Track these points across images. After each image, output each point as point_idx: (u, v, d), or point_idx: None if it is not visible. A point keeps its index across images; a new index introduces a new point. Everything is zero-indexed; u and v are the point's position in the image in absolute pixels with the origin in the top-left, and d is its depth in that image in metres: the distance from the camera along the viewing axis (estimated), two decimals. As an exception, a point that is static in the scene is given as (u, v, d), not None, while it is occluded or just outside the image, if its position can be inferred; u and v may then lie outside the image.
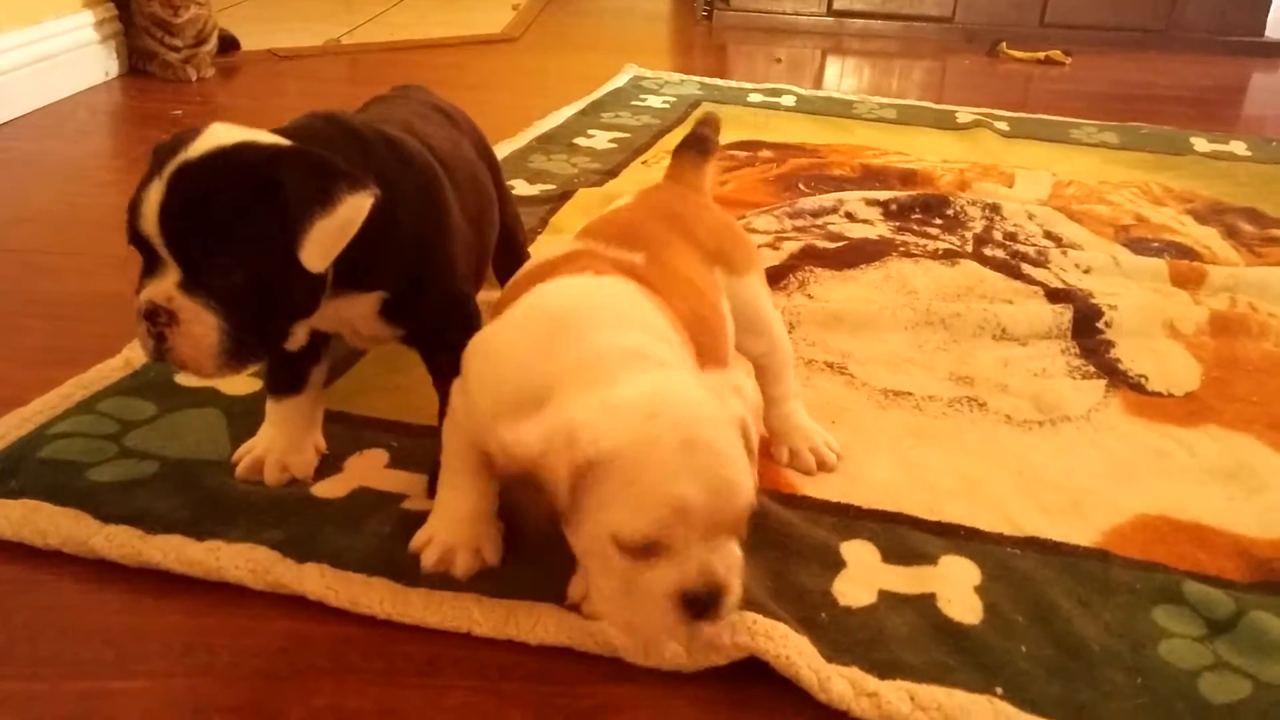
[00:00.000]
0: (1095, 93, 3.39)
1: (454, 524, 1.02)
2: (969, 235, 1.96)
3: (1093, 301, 1.66)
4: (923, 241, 1.92)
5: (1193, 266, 1.83)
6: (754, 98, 2.96)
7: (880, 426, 1.33)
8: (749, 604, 0.95)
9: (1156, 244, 2.00)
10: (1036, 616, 1.00)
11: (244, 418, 1.22)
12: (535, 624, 0.95)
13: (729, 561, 0.83)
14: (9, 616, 0.95)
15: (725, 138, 2.01)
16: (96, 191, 2.04)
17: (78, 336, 1.44)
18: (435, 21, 3.90)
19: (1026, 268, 1.80)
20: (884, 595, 1.02)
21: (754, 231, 1.92)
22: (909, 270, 1.78)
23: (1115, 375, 1.49)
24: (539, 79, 3.21)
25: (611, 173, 2.24)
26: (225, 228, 0.91)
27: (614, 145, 2.45)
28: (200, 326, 0.92)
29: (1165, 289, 1.76)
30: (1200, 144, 2.73)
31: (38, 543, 1.02)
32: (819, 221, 2.00)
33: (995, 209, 2.09)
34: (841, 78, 3.63)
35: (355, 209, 0.94)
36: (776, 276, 1.68)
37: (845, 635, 0.96)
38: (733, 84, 3.14)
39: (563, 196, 2.04)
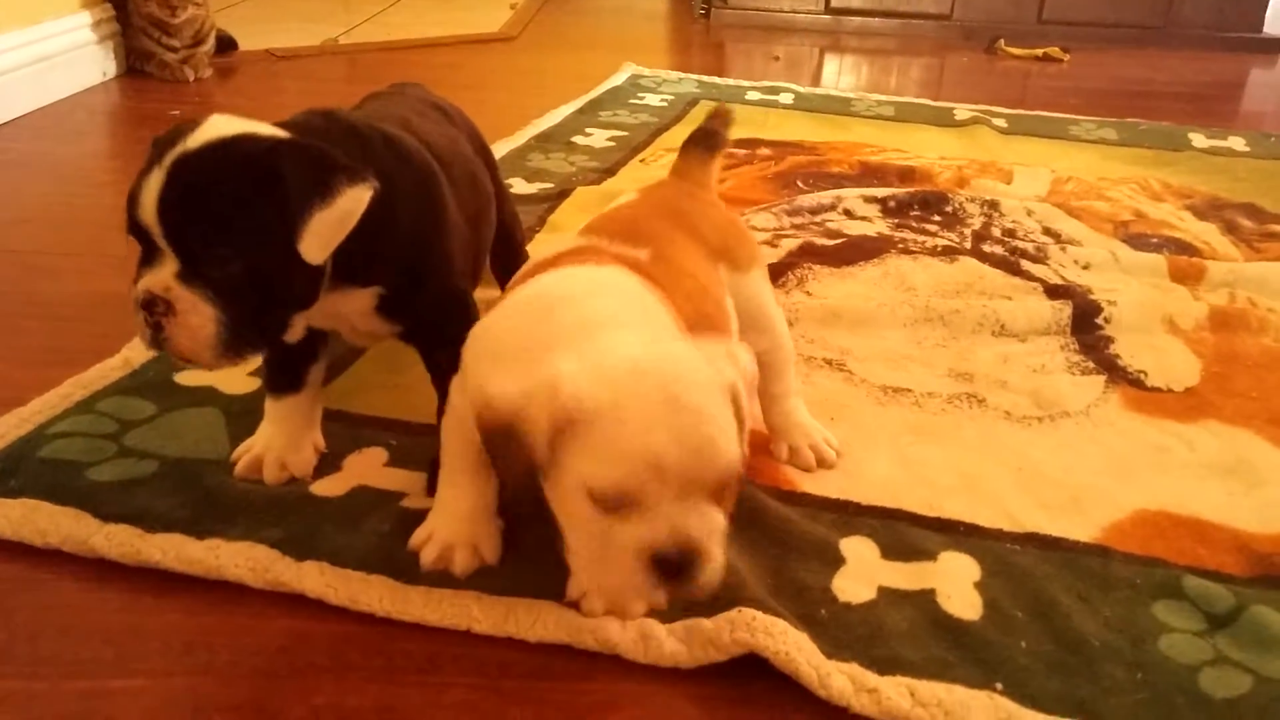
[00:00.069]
0: (1093, 89, 3.39)
1: (453, 522, 1.02)
2: (968, 232, 1.96)
3: (1092, 297, 1.66)
4: (921, 238, 1.92)
5: (1192, 262, 1.83)
6: (752, 95, 2.96)
7: (879, 423, 1.33)
8: (748, 600, 0.95)
9: (1155, 240, 2.00)
10: (1036, 612, 1.00)
11: (243, 416, 1.22)
12: (535, 621, 0.95)
13: (706, 525, 0.82)
14: (9, 615, 0.95)
15: (723, 135, 2.00)
16: (95, 192, 2.04)
17: (77, 336, 1.44)
18: (433, 21, 3.90)
19: (1025, 264, 1.80)
20: (883, 591, 1.02)
21: (752, 229, 1.91)
22: (908, 267, 1.78)
23: (1114, 371, 1.49)
24: (537, 78, 3.21)
25: (610, 171, 2.24)
26: (224, 218, 0.91)
27: (612, 144, 2.45)
28: (197, 317, 0.92)
29: (1164, 285, 1.76)
30: (1199, 140, 2.73)
31: (37, 542, 1.02)
32: (817, 219, 2.00)
33: (994, 205, 2.09)
34: (839, 75, 3.64)
35: (354, 201, 0.94)
36: (775, 274, 1.68)
37: (845, 631, 0.96)
38: (731, 82, 3.14)
39: (561, 195, 2.04)
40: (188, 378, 1.31)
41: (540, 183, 2.13)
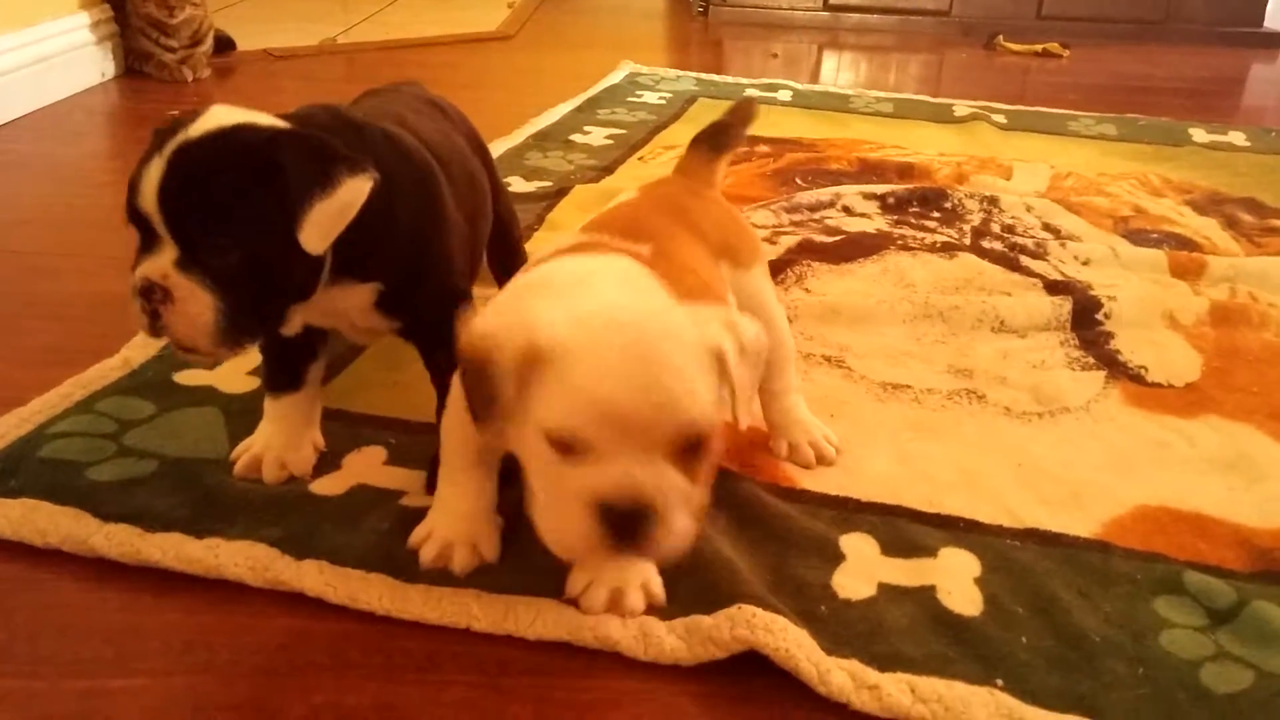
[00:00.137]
0: (1093, 85, 3.38)
1: (452, 520, 1.02)
2: (967, 228, 1.96)
3: (1092, 293, 1.66)
4: (920, 235, 1.91)
5: (1192, 257, 1.82)
6: (750, 93, 2.96)
7: (879, 419, 1.33)
8: (748, 597, 0.95)
9: (1155, 235, 2.00)
10: (1037, 608, 1.00)
11: (242, 416, 1.22)
12: (534, 619, 0.95)
13: (661, 482, 0.80)
14: (9, 615, 0.95)
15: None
16: (94, 192, 2.04)
17: (76, 337, 1.44)
18: (430, 20, 3.89)
19: (1025, 260, 1.80)
20: (884, 588, 1.02)
21: (752, 226, 1.91)
22: (907, 263, 1.78)
23: (1115, 366, 1.49)
24: (535, 76, 3.21)
25: (608, 169, 2.24)
26: (223, 207, 0.91)
27: (610, 142, 2.44)
28: (195, 305, 0.92)
29: (1164, 280, 1.76)
30: (1199, 135, 2.73)
31: (37, 542, 1.02)
32: (816, 216, 2.00)
33: (993, 201, 2.09)
34: (838, 72, 3.63)
35: (354, 192, 0.94)
36: (774, 271, 1.67)
37: (845, 628, 0.96)
38: (729, 79, 3.14)
39: (559, 193, 2.04)
40: (187, 377, 1.31)
41: (539, 181, 2.13)
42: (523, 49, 3.58)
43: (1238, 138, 2.73)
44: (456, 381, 0.99)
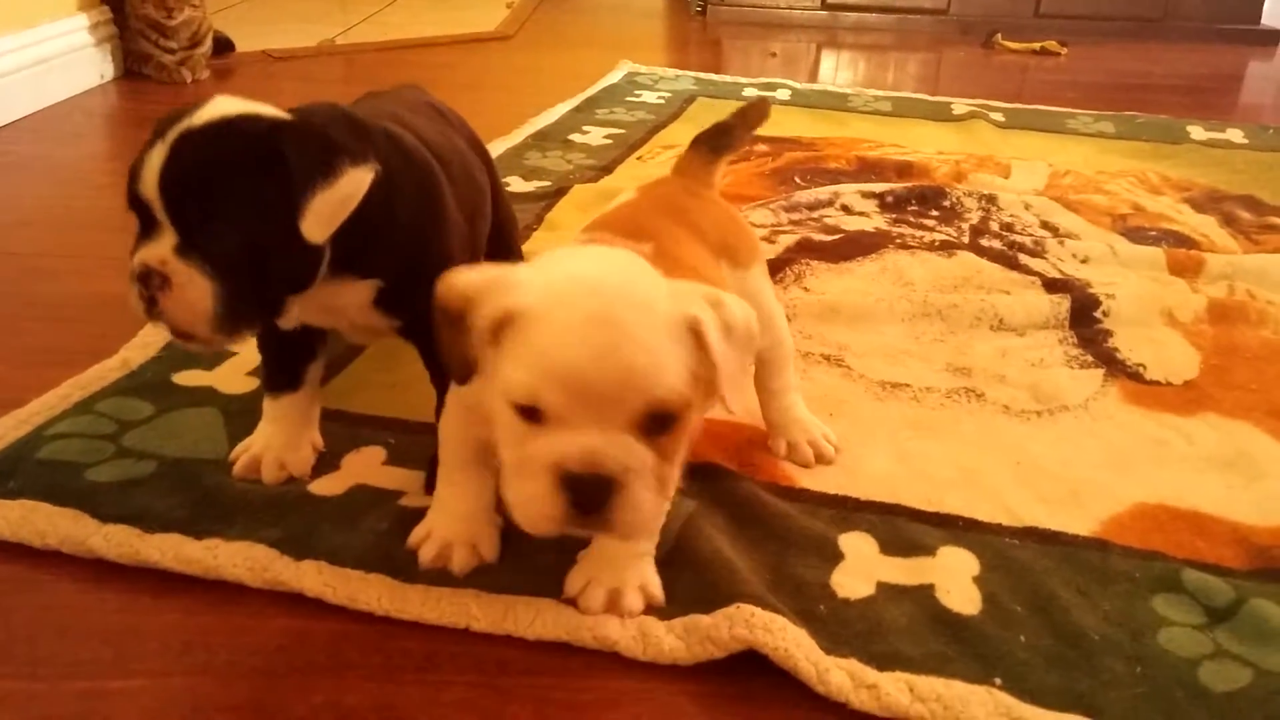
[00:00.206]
0: (1091, 83, 3.38)
1: (451, 520, 1.02)
2: (965, 226, 1.96)
3: (1090, 291, 1.66)
4: (919, 233, 1.91)
5: (1190, 255, 1.82)
6: (749, 92, 2.96)
7: (878, 418, 1.33)
8: (747, 596, 0.95)
9: (1154, 233, 2.00)
10: (1035, 606, 1.00)
11: (241, 416, 1.22)
12: (533, 619, 0.95)
13: (624, 455, 0.79)
14: (7, 616, 0.95)
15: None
16: (93, 194, 2.04)
17: (75, 338, 1.44)
18: (429, 21, 3.89)
19: (1023, 258, 1.80)
20: (882, 587, 1.02)
21: (750, 225, 1.91)
22: (905, 262, 1.78)
23: (1113, 364, 1.49)
24: (533, 76, 3.21)
25: (607, 169, 2.24)
26: (224, 194, 0.91)
27: (609, 141, 2.45)
28: (194, 291, 0.92)
29: (1163, 277, 1.76)
30: (1197, 132, 2.73)
31: (36, 543, 1.02)
32: (815, 214, 2.00)
33: (992, 200, 2.09)
34: (836, 71, 3.63)
35: (356, 182, 0.94)
36: (773, 269, 1.67)
37: (844, 627, 0.96)
38: (728, 79, 3.14)
39: (558, 193, 2.04)
40: (186, 378, 1.32)
41: (538, 181, 2.13)
42: (521, 49, 3.58)
43: (1236, 135, 2.73)
44: (466, 392, 0.99)
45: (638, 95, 2.88)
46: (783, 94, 2.95)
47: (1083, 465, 1.25)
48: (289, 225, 0.92)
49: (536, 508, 0.81)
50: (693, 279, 1.02)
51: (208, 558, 1.00)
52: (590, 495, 0.79)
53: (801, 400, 1.26)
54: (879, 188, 2.12)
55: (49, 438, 1.17)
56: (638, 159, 2.32)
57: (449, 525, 1.02)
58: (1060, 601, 1.00)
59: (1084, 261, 1.81)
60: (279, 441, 1.14)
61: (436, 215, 1.09)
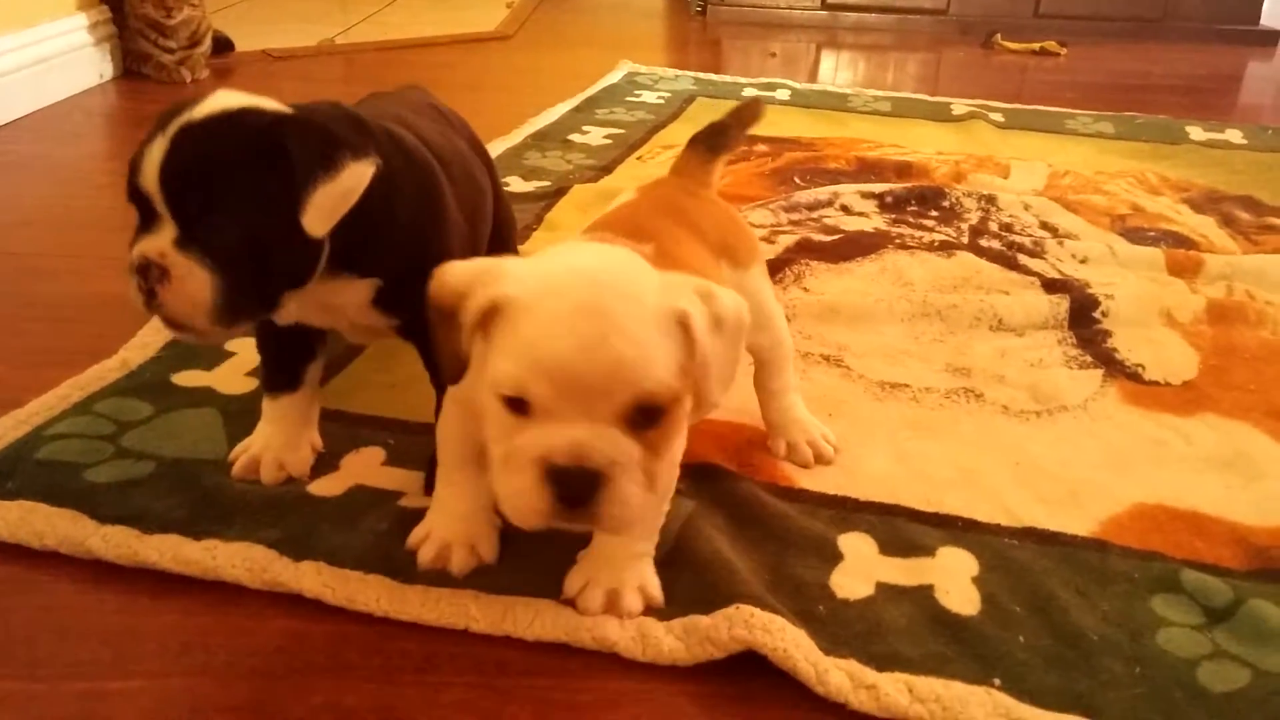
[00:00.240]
0: (1090, 83, 3.38)
1: (451, 521, 1.02)
2: (965, 227, 1.96)
3: (1089, 291, 1.66)
4: (918, 233, 1.91)
5: (1189, 255, 1.82)
6: (749, 92, 2.96)
7: (877, 418, 1.33)
8: (746, 597, 0.95)
9: (1153, 233, 2.00)
10: (1034, 607, 1.00)
11: (240, 417, 1.22)
12: (532, 620, 0.95)
13: (610, 449, 0.78)
14: (6, 617, 0.95)
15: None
16: (93, 194, 2.04)
17: (74, 338, 1.44)
18: (429, 20, 3.89)
19: (1023, 258, 1.80)
20: (882, 587, 1.02)
21: (750, 225, 1.91)
22: (905, 262, 1.78)
23: (1112, 365, 1.49)
24: (533, 76, 3.21)
25: (606, 169, 2.24)
26: (225, 187, 0.91)
27: (609, 141, 2.44)
28: (193, 283, 0.92)
29: (1162, 278, 1.76)
30: (1196, 133, 2.73)
31: (35, 544, 1.02)
32: (814, 215, 2.00)
33: (991, 200, 2.09)
34: (836, 71, 3.63)
35: (357, 176, 0.94)
36: (773, 270, 1.67)
37: (843, 628, 0.96)
38: (727, 79, 3.14)
39: (558, 193, 2.04)
40: (185, 378, 1.32)
41: (537, 181, 2.13)
42: (521, 49, 3.58)
43: (1235, 135, 2.73)
44: (459, 387, 0.99)
45: (637, 95, 2.88)
46: (782, 94, 2.95)
47: (1082, 465, 1.25)
48: (289, 219, 0.92)
49: (523, 501, 0.81)
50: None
51: (206, 558, 1.00)
52: (576, 489, 0.79)
53: (801, 401, 1.26)
54: (878, 188, 2.12)
55: (48, 438, 1.17)
56: (637, 159, 2.32)
57: (448, 526, 1.02)
58: (1059, 602, 1.00)
59: (1083, 262, 1.81)
60: (278, 442, 1.14)
61: (436, 215, 1.09)
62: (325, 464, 1.17)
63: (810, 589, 1.01)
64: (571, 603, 0.97)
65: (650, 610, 0.96)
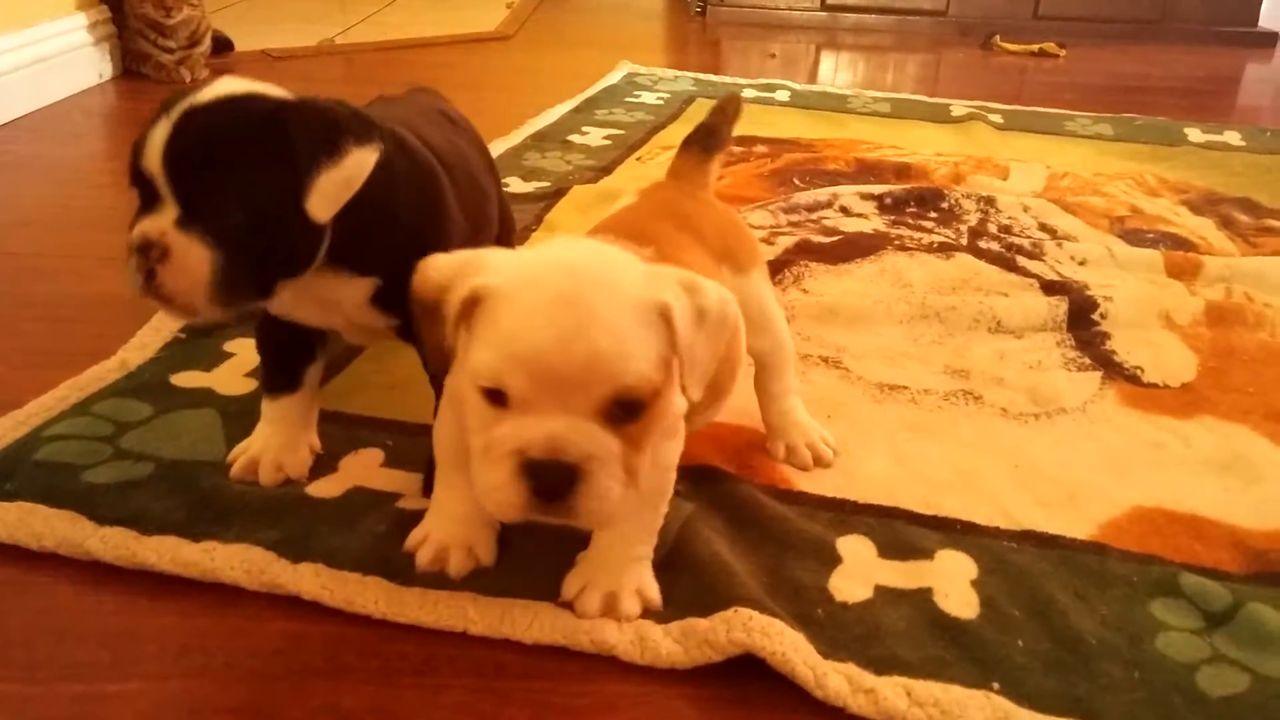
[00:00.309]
0: (1089, 85, 3.38)
1: (449, 523, 1.02)
2: (964, 228, 1.96)
3: (1088, 293, 1.66)
4: (917, 235, 1.91)
5: (1188, 257, 1.83)
6: (748, 93, 2.96)
7: (876, 420, 1.33)
8: (745, 600, 0.95)
9: (1152, 235, 2.00)
10: (1033, 610, 1.00)
11: (239, 418, 1.22)
12: (531, 623, 0.95)
13: (588, 443, 0.78)
14: (4, 619, 0.95)
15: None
16: (92, 194, 2.04)
17: (73, 338, 1.44)
18: (429, 21, 3.89)
19: (1021, 260, 1.80)
20: (880, 590, 1.02)
21: (749, 227, 1.91)
22: (904, 264, 1.78)
23: (1111, 367, 1.49)
24: (533, 76, 3.21)
25: (606, 169, 2.24)
26: (227, 170, 0.92)
27: (608, 142, 2.44)
28: (193, 259, 0.92)
29: (1161, 280, 1.76)
30: (1195, 135, 2.73)
31: (33, 545, 1.02)
32: (814, 216, 2.00)
33: (990, 202, 2.09)
34: (836, 72, 3.63)
35: (360, 162, 0.94)
36: (772, 271, 1.66)
37: (842, 631, 0.96)
38: (727, 80, 3.14)
39: (557, 194, 2.04)
40: (184, 379, 1.31)
41: (537, 181, 2.13)
42: (521, 49, 3.58)
43: (1233, 137, 2.73)
44: (449, 384, 0.99)
45: (637, 96, 2.88)
46: (782, 95, 2.95)
47: (1080, 468, 1.25)
48: (292, 203, 0.92)
49: (500, 494, 0.80)
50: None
51: (205, 560, 1.00)
52: (552, 483, 0.78)
53: (800, 403, 1.26)
54: (877, 189, 2.12)
55: (46, 439, 1.17)
56: (637, 160, 2.32)
57: (446, 528, 1.02)
58: (1058, 605, 1.00)
59: (1082, 264, 1.81)
60: (277, 443, 1.14)
61: (437, 216, 1.09)
62: (324, 465, 1.16)
63: (809, 592, 1.01)
64: (570, 605, 0.96)
65: (648, 613, 0.96)
